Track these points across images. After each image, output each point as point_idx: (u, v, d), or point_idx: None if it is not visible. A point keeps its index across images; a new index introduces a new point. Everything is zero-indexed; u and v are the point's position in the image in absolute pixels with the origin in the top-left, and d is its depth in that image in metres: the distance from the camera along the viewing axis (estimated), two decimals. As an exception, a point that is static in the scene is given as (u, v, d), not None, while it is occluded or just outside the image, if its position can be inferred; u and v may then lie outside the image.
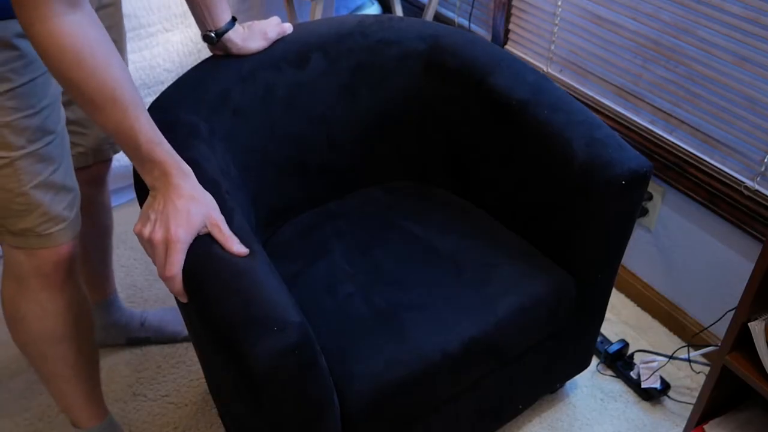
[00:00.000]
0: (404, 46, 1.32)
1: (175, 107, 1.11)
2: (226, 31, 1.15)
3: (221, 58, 1.21)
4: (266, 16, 2.11)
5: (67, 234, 1.04)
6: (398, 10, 2.08)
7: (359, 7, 2.31)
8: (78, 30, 0.79)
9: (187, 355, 1.59)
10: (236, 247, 0.88)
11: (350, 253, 1.22)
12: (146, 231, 0.87)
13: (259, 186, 1.24)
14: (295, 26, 1.30)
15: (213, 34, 1.14)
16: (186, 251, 0.87)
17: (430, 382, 1.05)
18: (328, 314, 1.09)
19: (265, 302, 0.83)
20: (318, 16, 1.90)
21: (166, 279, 0.87)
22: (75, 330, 1.14)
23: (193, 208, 0.87)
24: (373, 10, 2.31)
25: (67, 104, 1.13)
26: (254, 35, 1.21)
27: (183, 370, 1.56)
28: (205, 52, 1.95)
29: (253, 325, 0.81)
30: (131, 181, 1.97)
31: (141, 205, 0.99)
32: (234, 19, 1.15)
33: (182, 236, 0.86)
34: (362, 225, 1.29)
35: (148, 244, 0.88)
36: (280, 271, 1.19)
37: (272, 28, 1.24)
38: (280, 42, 1.25)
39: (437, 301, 1.11)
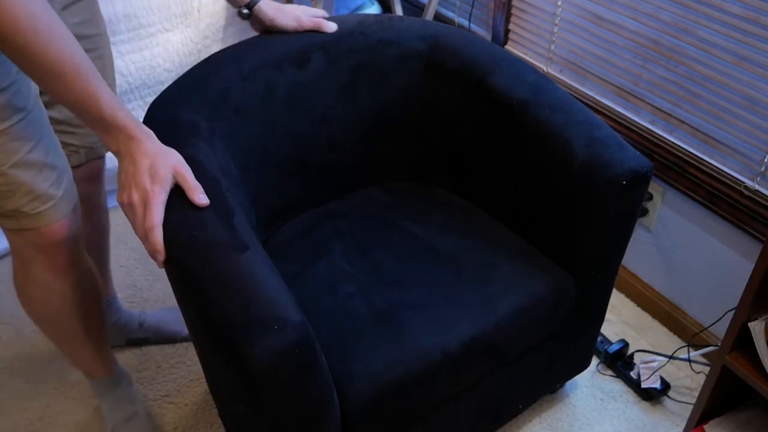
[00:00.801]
0: (404, 46, 1.32)
1: (176, 106, 1.11)
2: (257, 2, 1.19)
3: (221, 57, 1.21)
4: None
5: (58, 211, 1.03)
6: (398, 10, 2.08)
7: (359, 7, 2.31)
8: (28, 0, 0.78)
9: (187, 355, 1.59)
10: (198, 196, 0.91)
11: (350, 253, 1.22)
12: (124, 197, 0.89)
13: (259, 185, 1.24)
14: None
15: (245, 9, 1.20)
16: (164, 204, 0.90)
17: (430, 382, 1.05)
18: (328, 314, 1.09)
19: (265, 301, 0.83)
20: (318, 16, 1.89)
21: (147, 230, 0.88)
22: (82, 306, 1.18)
23: (159, 162, 0.90)
24: (373, 10, 2.31)
25: (52, 104, 1.13)
26: (287, 14, 1.24)
27: (183, 370, 1.56)
28: (205, 52, 1.95)
29: (253, 324, 0.81)
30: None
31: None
32: None
33: (157, 190, 0.89)
34: (362, 225, 1.29)
35: (128, 208, 0.89)
36: (280, 270, 1.18)
37: (308, 15, 1.26)
38: (280, 41, 1.25)
39: (437, 301, 1.11)
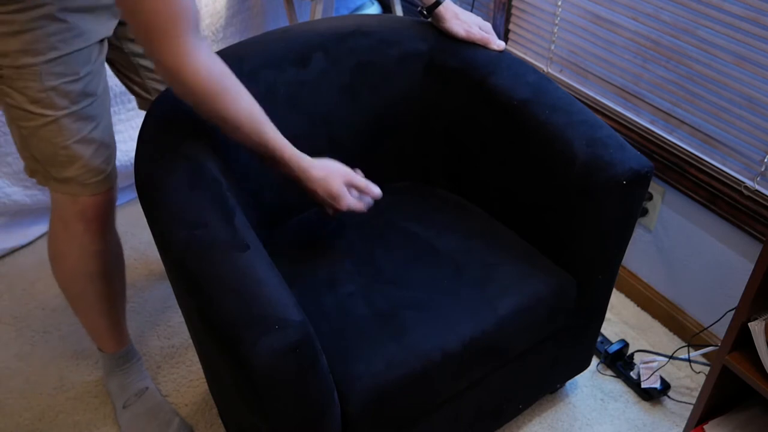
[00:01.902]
0: (405, 47, 1.32)
1: (176, 105, 1.11)
2: (436, 6, 1.29)
3: (221, 57, 1.20)
4: (266, 16, 2.11)
5: (104, 184, 1.18)
6: (398, 10, 2.08)
7: (359, 7, 2.31)
8: (215, 61, 0.93)
9: (187, 355, 1.59)
10: (375, 189, 1.14)
11: (351, 253, 1.22)
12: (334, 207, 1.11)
13: (260, 185, 1.24)
14: (295, 26, 1.30)
15: (424, 11, 1.32)
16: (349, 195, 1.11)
17: (431, 382, 1.05)
18: (328, 314, 1.09)
19: (266, 301, 0.83)
20: (318, 16, 1.90)
21: (354, 208, 1.12)
22: (110, 269, 1.29)
23: (332, 171, 1.10)
24: (373, 10, 2.31)
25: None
26: (461, 21, 1.31)
27: (183, 370, 1.56)
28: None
29: (254, 324, 0.81)
30: (131, 181, 1.97)
31: (142, 204, 0.99)
32: None
33: (342, 190, 1.10)
34: (363, 225, 1.29)
35: (342, 194, 1.10)
36: (281, 270, 1.18)
37: (479, 28, 1.31)
38: (281, 41, 1.25)
39: (438, 301, 1.11)
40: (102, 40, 1.11)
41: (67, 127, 1.08)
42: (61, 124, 1.07)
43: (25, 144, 1.11)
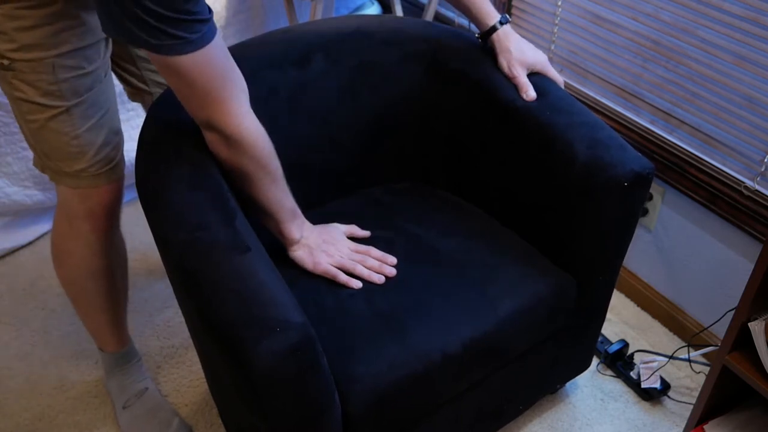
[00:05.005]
0: (405, 47, 1.32)
1: (177, 106, 1.10)
2: (490, 34, 1.24)
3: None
4: (266, 16, 2.11)
5: (115, 172, 1.19)
6: (398, 10, 2.08)
7: (359, 7, 2.31)
8: (258, 122, 1.02)
9: (187, 355, 1.59)
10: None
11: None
12: (331, 260, 1.15)
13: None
14: (295, 26, 1.30)
15: (478, 36, 1.29)
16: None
17: (431, 383, 1.05)
18: (329, 315, 1.09)
19: (267, 302, 0.83)
20: (318, 16, 1.90)
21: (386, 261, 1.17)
22: (113, 267, 1.29)
23: (333, 230, 1.22)
24: (373, 10, 2.31)
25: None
26: (508, 53, 1.23)
27: (183, 370, 1.56)
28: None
29: (255, 325, 0.81)
30: (132, 181, 1.97)
31: (143, 205, 0.99)
32: (502, 23, 1.23)
33: (349, 244, 1.19)
34: (363, 226, 1.29)
35: (337, 267, 1.15)
36: (282, 271, 1.18)
37: (540, 63, 1.24)
38: (281, 42, 1.25)
39: (438, 301, 1.11)
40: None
41: (77, 116, 1.09)
42: (71, 114, 1.08)
43: (35, 139, 1.11)
